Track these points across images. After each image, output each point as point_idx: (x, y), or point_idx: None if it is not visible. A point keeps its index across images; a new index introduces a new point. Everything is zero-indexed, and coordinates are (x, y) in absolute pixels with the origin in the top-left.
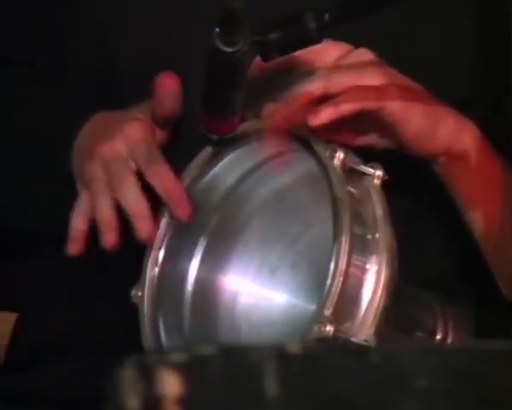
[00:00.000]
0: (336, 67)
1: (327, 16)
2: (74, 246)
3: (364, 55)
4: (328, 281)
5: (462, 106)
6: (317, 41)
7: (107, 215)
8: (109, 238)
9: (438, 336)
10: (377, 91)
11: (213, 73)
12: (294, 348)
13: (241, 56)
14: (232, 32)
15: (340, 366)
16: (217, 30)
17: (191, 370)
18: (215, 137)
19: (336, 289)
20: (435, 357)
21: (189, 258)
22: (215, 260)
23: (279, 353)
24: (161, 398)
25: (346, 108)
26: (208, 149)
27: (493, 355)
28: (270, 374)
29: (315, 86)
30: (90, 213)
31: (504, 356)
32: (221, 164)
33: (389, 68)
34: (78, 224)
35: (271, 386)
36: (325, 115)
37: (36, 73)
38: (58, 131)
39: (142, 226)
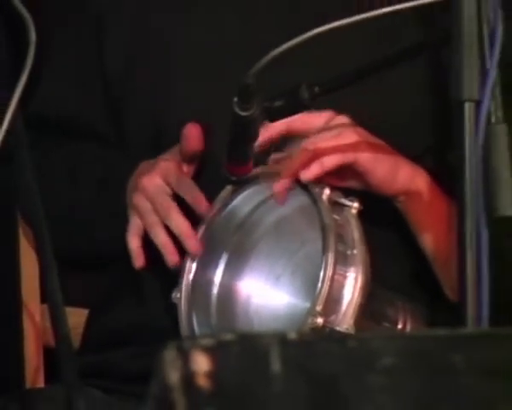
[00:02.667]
0: (323, 130)
1: (317, 89)
2: (139, 261)
3: (342, 119)
4: (319, 285)
5: (418, 157)
6: (309, 108)
7: (165, 241)
8: (172, 259)
9: (399, 326)
10: (351, 148)
11: (234, 131)
12: (293, 335)
13: (253, 119)
14: (246, 101)
15: (327, 348)
16: (235, 99)
17: (216, 351)
18: (234, 178)
19: (325, 291)
20: (397, 341)
21: (215, 268)
22: (234, 270)
23: (281, 339)
24: (195, 373)
25: (328, 164)
26: (229, 187)
27: (441, 339)
28: (275, 355)
29: (308, 146)
30: (141, 233)
31: (449, 339)
32: (238, 198)
33: (360, 129)
34: (134, 243)
35: (276, 364)
36: (314, 170)
37: (103, 141)
38: (117, 181)
39: (190, 243)
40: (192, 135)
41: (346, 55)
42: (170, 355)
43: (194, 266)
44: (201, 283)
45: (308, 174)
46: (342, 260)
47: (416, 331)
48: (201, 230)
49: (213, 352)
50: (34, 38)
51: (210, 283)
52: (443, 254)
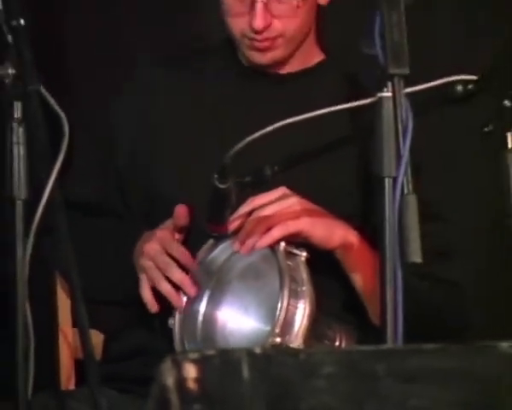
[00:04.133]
0: (274, 203)
1: (276, 168)
2: (153, 308)
3: (287, 192)
4: (277, 313)
5: (350, 218)
6: (269, 182)
7: (169, 290)
8: (178, 302)
9: (337, 343)
10: (295, 217)
11: (213, 200)
12: (258, 350)
13: (229, 190)
14: (224, 177)
15: (283, 360)
16: (215, 175)
17: (201, 363)
18: (215, 234)
19: (281, 318)
20: (335, 355)
21: (200, 302)
22: (214, 303)
23: (249, 353)
24: (185, 378)
25: (276, 235)
26: (210, 241)
27: (367, 352)
28: (245, 365)
29: (257, 215)
30: (150, 285)
31: (373, 353)
32: (218, 249)
33: (302, 200)
34: (147, 295)
35: (245, 371)
36: (265, 241)
37: (117, 216)
38: (127, 247)
39: (187, 288)
40: (181, 214)
41: (298, 141)
42: (167, 365)
43: (184, 299)
44: (190, 312)
45: (260, 243)
46: (294, 295)
47: (349, 347)
48: (190, 274)
49: (199, 363)
50: (67, 131)
51: (196, 312)
52: (369, 290)
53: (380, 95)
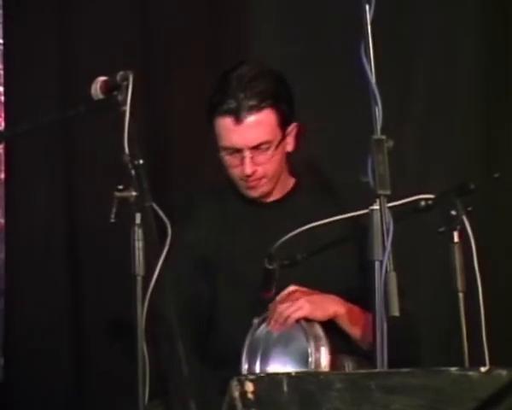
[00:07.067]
0: (288, 298)
1: (304, 255)
2: None
3: (294, 288)
4: (310, 359)
5: (346, 292)
6: (300, 264)
7: None
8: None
9: (346, 369)
10: (299, 307)
11: (264, 276)
12: (293, 373)
13: (274, 270)
14: (271, 261)
15: (309, 379)
16: (265, 259)
17: (257, 381)
18: (266, 299)
19: (312, 360)
20: (342, 375)
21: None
22: (263, 358)
23: (288, 374)
24: (246, 392)
25: (295, 316)
26: (255, 321)
27: (364, 374)
28: (285, 382)
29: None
30: None
31: (368, 374)
32: (261, 328)
33: (305, 289)
34: None
35: (285, 386)
36: (289, 322)
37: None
38: None
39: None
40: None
41: (316, 238)
42: (234, 382)
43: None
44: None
45: (287, 324)
46: (317, 343)
47: (351, 372)
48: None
49: (255, 381)
50: (170, 234)
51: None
52: (359, 336)
53: (371, 208)
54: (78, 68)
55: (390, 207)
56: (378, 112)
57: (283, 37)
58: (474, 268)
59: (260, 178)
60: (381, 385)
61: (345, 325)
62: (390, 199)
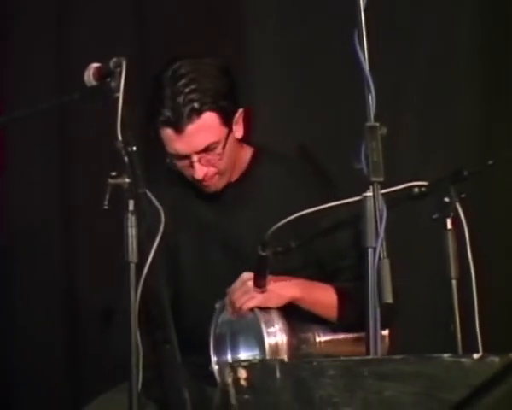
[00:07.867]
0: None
1: (298, 242)
2: None
3: (249, 275)
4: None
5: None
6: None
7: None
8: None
9: (317, 339)
10: (249, 296)
11: (257, 263)
12: (286, 360)
13: (268, 257)
14: (264, 248)
15: (303, 366)
16: (259, 246)
17: (250, 367)
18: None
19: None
20: (336, 362)
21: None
22: (232, 347)
23: (281, 361)
24: (239, 378)
25: (248, 307)
26: (217, 305)
27: (357, 361)
28: (278, 369)
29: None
30: None
31: (361, 361)
32: (222, 315)
33: (275, 277)
34: None
35: (278, 373)
36: (244, 310)
37: None
38: None
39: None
40: None
41: (310, 225)
42: (227, 369)
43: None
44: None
45: (242, 311)
46: (269, 325)
47: (344, 358)
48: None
49: (248, 367)
50: (163, 219)
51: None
52: (324, 314)
53: (364, 194)
54: (76, 59)
55: (383, 194)
56: (372, 99)
57: (282, 33)
58: (467, 255)
59: (213, 176)
60: (373, 372)
61: (305, 306)
62: (385, 186)
